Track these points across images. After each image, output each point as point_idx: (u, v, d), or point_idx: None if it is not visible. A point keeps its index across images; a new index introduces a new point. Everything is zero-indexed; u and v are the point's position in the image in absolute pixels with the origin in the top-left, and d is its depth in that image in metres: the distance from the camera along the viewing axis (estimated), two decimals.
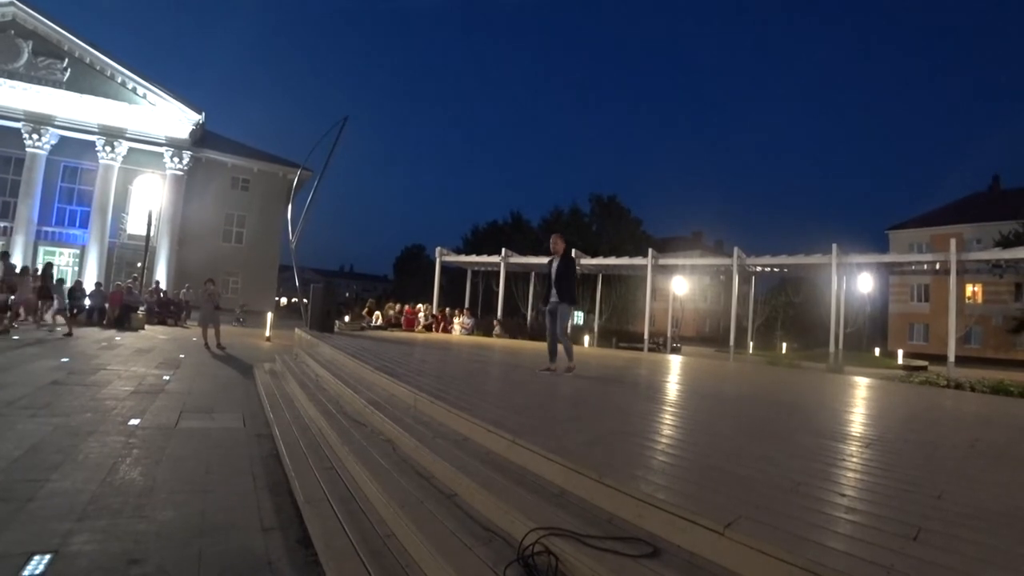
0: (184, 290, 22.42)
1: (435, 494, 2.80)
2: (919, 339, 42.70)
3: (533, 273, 24.90)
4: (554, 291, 6.80)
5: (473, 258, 25.20)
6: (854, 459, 3.18)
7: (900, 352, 32.56)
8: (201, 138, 32.42)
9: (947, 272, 15.58)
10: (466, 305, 22.37)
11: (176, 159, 30.76)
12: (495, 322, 19.92)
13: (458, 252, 29.05)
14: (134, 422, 5.27)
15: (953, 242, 15.28)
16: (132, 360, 9.62)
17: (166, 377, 8.07)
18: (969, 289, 41.25)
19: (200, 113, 31.00)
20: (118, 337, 12.48)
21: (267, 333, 15.83)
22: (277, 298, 38.58)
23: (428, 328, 19.14)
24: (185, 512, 3.26)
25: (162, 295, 20.51)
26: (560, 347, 6.91)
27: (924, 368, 17.90)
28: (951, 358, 14.24)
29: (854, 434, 4.21)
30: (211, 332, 12.53)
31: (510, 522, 2.28)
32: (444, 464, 2.98)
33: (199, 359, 10.51)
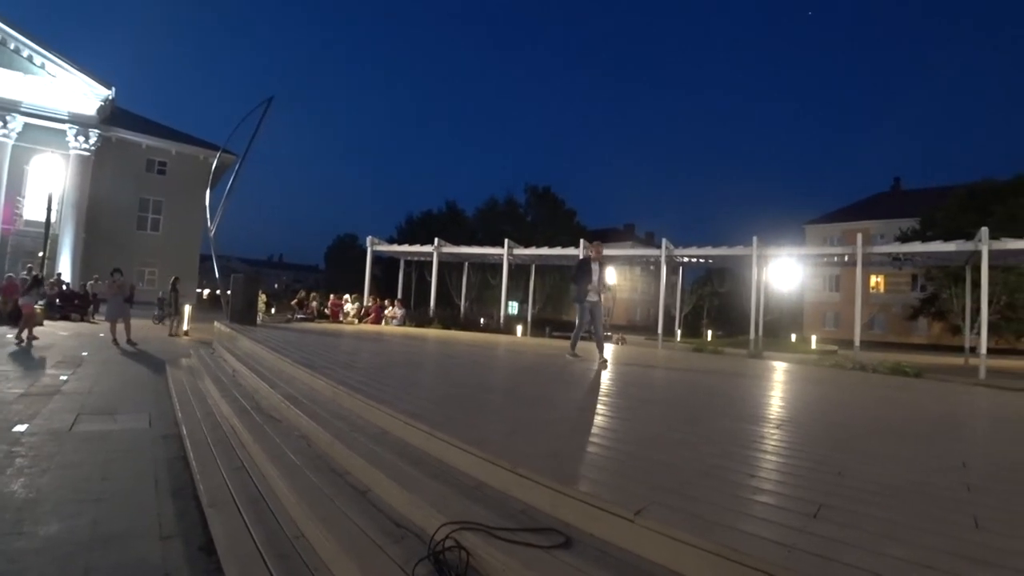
0: (91, 282, 20.74)
1: (348, 491, 2.67)
2: (831, 326, 45.86)
3: (466, 263, 24.73)
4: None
5: (405, 248, 24.56)
6: (766, 440, 3.30)
7: (814, 338, 34.92)
8: (111, 116, 29.91)
9: (854, 264, 16.67)
10: (398, 296, 21.90)
11: (81, 138, 28.24)
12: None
13: (391, 242, 28.40)
14: (20, 428, 4.76)
15: (859, 237, 16.34)
16: (25, 359, 8.78)
17: (63, 377, 7.38)
18: (873, 280, 44.94)
19: (109, 88, 28.56)
20: (10, 335, 11.35)
21: (184, 327, 14.90)
22: (199, 290, 36.44)
23: (359, 319, 18.63)
24: (73, 524, 2.96)
25: (64, 288, 18.90)
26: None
27: (834, 352, 19.13)
28: (857, 342, 15.25)
29: (768, 416, 4.39)
30: (120, 327, 11.64)
31: (423, 517, 2.19)
32: (359, 459, 2.85)
33: (104, 356, 9.73)
